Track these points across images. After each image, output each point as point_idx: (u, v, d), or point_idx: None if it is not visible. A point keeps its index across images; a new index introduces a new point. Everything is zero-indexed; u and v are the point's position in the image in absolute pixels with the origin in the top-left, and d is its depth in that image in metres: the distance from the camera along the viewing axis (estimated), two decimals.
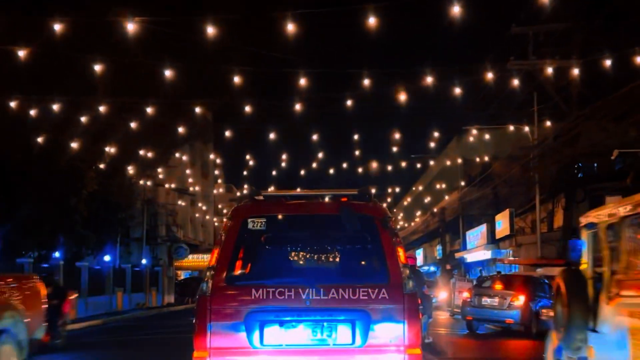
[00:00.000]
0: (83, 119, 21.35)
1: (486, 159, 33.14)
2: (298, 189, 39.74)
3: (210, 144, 57.15)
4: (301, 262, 6.95)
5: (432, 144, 28.88)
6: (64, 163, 22.97)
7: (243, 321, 5.89)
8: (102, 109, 20.42)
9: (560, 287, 8.13)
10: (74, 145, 21.61)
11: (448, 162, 37.35)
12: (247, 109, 17.62)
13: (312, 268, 6.90)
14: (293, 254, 6.93)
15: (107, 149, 24.69)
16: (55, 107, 18.32)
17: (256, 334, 5.90)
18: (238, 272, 6.28)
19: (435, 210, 45.04)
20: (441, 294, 36.39)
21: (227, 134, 23.81)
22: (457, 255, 38.87)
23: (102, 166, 25.74)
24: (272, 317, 5.91)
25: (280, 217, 6.39)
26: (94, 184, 25.58)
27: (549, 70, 21.60)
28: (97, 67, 16.33)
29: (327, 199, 6.99)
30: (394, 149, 25.24)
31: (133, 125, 23.34)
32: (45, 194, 22.73)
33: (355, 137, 22.30)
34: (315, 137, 20.66)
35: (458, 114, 28.78)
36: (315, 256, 7.06)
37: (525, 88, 25.39)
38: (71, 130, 22.00)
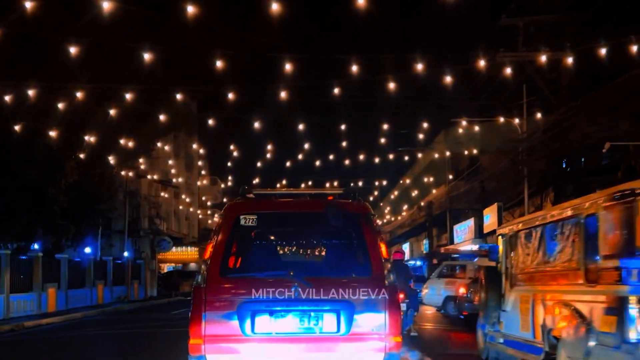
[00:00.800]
0: (61, 105, 20.66)
1: (474, 151, 32.73)
2: (283, 181, 39.17)
3: (195, 135, 56.46)
4: (290, 256, 7.47)
5: (420, 136, 28.48)
6: (42, 152, 22.25)
7: (236, 311, 6.25)
8: (81, 95, 19.76)
9: (482, 280, 11.39)
10: (53, 133, 20.91)
11: (436, 155, 36.89)
12: (231, 96, 17.04)
13: (300, 262, 7.23)
14: (282, 248, 7.38)
15: (87, 137, 23.97)
16: (32, 93, 17.64)
17: (248, 323, 6.27)
18: (231, 265, 6.64)
19: (422, 204, 44.65)
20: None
21: (211, 123, 23.23)
22: (444, 250, 38.47)
23: (82, 156, 25.02)
24: (263, 307, 6.27)
25: (270, 214, 6.75)
26: (75, 174, 24.88)
27: (540, 61, 21.25)
28: (74, 51, 15.67)
29: (314, 198, 7.41)
30: (382, 140, 24.76)
31: (114, 113, 22.70)
32: (23, 183, 22.02)
33: (342, 127, 21.77)
34: (301, 126, 20.12)
35: (446, 106, 28.34)
36: (303, 251, 7.60)
37: (514, 80, 25.02)
38: (49, 117, 21.32)
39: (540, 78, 24.08)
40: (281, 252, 7.31)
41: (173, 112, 35.23)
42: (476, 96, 26.79)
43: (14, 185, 21.54)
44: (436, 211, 43.10)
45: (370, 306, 6.30)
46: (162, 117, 27.13)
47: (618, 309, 7.01)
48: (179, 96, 19.01)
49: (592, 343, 7.37)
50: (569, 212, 8.33)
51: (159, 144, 37.07)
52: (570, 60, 20.25)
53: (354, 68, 14.15)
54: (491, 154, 31.53)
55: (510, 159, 25.35)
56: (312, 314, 6.32)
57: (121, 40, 23.76)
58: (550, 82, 24.48)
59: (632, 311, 6.87)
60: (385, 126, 22.85)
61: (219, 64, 14.39)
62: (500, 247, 10.96)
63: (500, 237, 11.13)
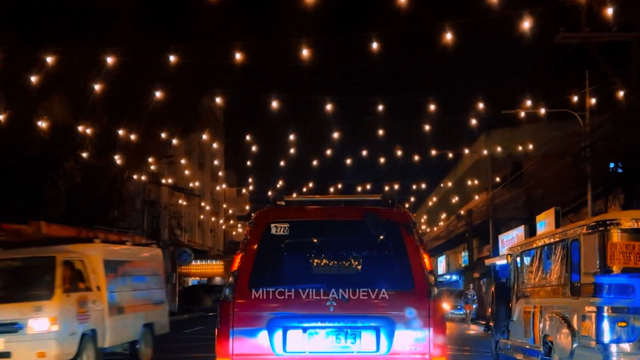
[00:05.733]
0: (58, 96, 18.04)
1: (530, 147, 29.41)
2: (310, 184, 36.25)
3: (221, 144, 54.00)
4: (325, 268, 6.66)
5: (462, 137, 25.56)
6: (35, 147, 19.60)
7: (266, 327, 5.94)
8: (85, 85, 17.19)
9: (493, 294, 12.95)
10: (44, 124, 18.25)
11: (484, 152, 33.54)
12: (244, 56, 14.25)
13: (335, 274, 6.60)
14: (316, 259, 6.70)
15: (92, 135, 21.26)
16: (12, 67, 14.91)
17: (279, 341, 5.95)
18: (261, 277, 6.19)
19: (461, 212, 41.40)
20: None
21: (237, 128, 20.66)
22: (488, 262, 35.24)
23: (85, 155, 22.34)
24: (295, 323, 5.97)
25: (303, 222, 6.42)
26: (77, 175, 22.22)
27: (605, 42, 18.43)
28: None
29: (350, 205, 6.96)
30: (423, 131, 21.56)
31: (126, 113, 20.22)
32: (14, 183, 19.39)
33: (375, 116, 18.76)
34: (329, 107, 17.20)
35: (494, 101, 25.12)
36: (339, 262, 6.75)
37: (575, 65, 22.04)
38: (44, 109, 18.72)
39: (607, 62, 20.88)
40: (315, 263, 6.69)
41: (195, 114, 32.81)
42: (530, 85, 23.65)
43: (3, 185, 18.92)
44: (476, 221, 39.86)
45: (412, 323, 5.93)
46: (185, 119, 24.93)
47: (594, 317, 8.44)
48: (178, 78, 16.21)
49: (575, 345, 8.94)
50: (559, 237, 10.04)
51: (178, 147, 34.49)
52: None
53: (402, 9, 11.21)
54: (542, 156, 28.43)
55: (571, 155, 22.12)
56: (349, 331, 5.95)
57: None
58: (617, 68, 21.35)
59: (604, 318, 8.29)
60: (427, 116, 19.85)
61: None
62: (509, 265, 12.70)
63: (509, 255, 12.76)
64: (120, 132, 22.26)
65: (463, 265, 46.62)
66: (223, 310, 5.98)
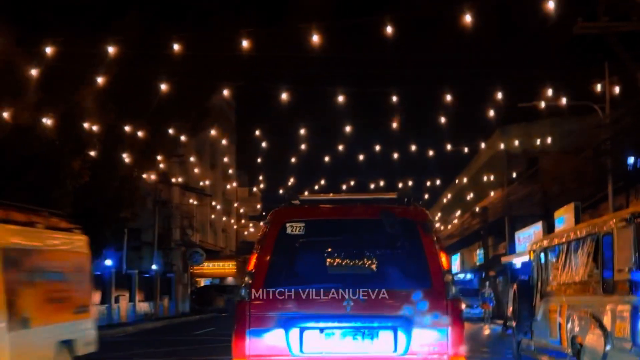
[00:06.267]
0: (65, 94, 17.64)
1: (548, 141, 28.79)
2: (322, 181, 35.74)
3: (233, 143, 53.62)
4: (341, 268, 6.61)
5: (476, 132, 24.95)
6: (40, 146, 19.18)
7: (282, 327, 5.94)
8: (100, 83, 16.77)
9: (515, 292, 12.45)
10: (49, 122, 17.83)
11: (501, 146, 32.87)
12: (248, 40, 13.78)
13: (352, 273, 6.57)
14: (332, 259, 6.66)
15: (92, 127, 20.69)
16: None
17: (295, 341, 5.95)
18: (277, 277, 6.18)
19: (476, 209, 40.73)
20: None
21: (249, 128, 20.22)
22: (504, 259, 34.57)
23: (92, 154, 21.90)
24: (312, 323, 5.96)
25: (319, 221, 6.43)
26: (86, 175, 21.80)
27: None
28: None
29: (365, 203, 6.93)
30: (442, 118, 20.84)
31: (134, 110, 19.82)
32: (22, 183, 19.00)
33: (392, 103, 18.10)
34: (340, 98, 16.64)
35: (508, 94, 24.52)
36: (356, 261, 6.71)
37: (595, 57, 21.42)
38: (48, 106, 18.33)
39: (626, 53, 20.23)
40: (331, 262, 6.64)
41: (205, 111, 32.46)
42: (547, 78, 23.06)
43: (8, 185, 18.52)
44: (491, 218, 39.19)
45: (430, 322, 5.87)
46: (195, 116, 24.58)
47: (629, 317, 7.78)
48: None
49: (608, 347, 8.23)
50: (588, 231, 9.44)
51: (189, 146, 34.11)
52: None
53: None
54: (559, 151, 27.80)
55: (592, 148, 21.49)
56: (366, 331, 5.91)
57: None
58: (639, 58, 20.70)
59: None
60: (442, 110, 19.30)
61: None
62: (532, 263, 12.14)
63: (532, 252, 12.29)
64: (128, 129, 21.83)
65: (478, 263, 45.95)
66: (239, 310, 5.96)
